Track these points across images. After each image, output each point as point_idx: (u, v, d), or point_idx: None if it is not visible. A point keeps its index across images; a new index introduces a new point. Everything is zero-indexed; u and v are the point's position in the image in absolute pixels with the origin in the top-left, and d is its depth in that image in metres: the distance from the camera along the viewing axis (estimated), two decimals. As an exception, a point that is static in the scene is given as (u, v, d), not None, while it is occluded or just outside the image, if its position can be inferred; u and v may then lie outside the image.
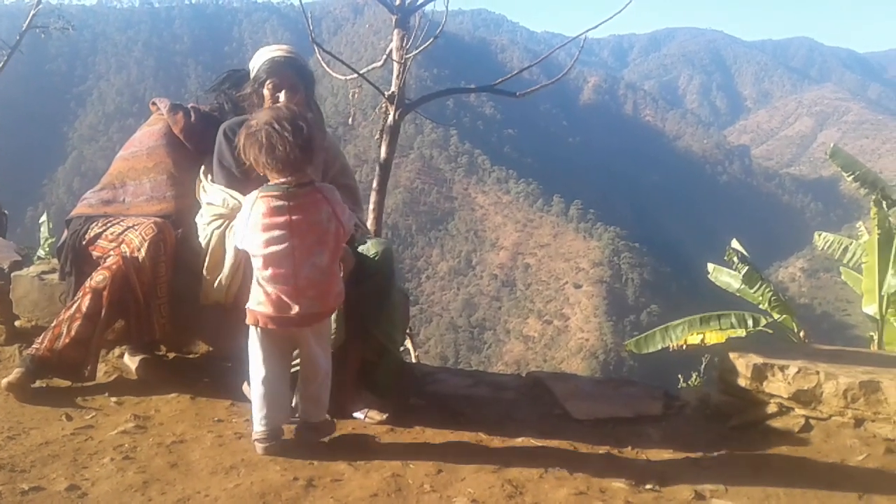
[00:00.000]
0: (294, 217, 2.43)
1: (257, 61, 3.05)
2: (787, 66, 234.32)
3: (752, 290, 7.88)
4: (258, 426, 2.50)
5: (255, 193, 2.50)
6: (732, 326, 7.41)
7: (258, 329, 2.50)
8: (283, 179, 2.45)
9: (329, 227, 2.47)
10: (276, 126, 2.42)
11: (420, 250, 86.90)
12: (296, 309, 2.44)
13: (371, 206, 6.95)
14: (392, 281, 3.01)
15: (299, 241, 2.43)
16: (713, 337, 7.34)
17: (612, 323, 69.68)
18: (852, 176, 8.72)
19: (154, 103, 3.32)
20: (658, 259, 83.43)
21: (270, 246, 2.44)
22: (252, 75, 3.05)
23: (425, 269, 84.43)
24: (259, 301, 2.47)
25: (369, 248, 2.97)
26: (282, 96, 2.98)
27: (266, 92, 3.00)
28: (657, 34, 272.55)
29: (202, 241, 2.89)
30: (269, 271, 2.45)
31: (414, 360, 6.42)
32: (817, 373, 2.93)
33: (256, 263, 2.48)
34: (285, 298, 2.44)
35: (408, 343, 6.67)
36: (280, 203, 2.44)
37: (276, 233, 2.43)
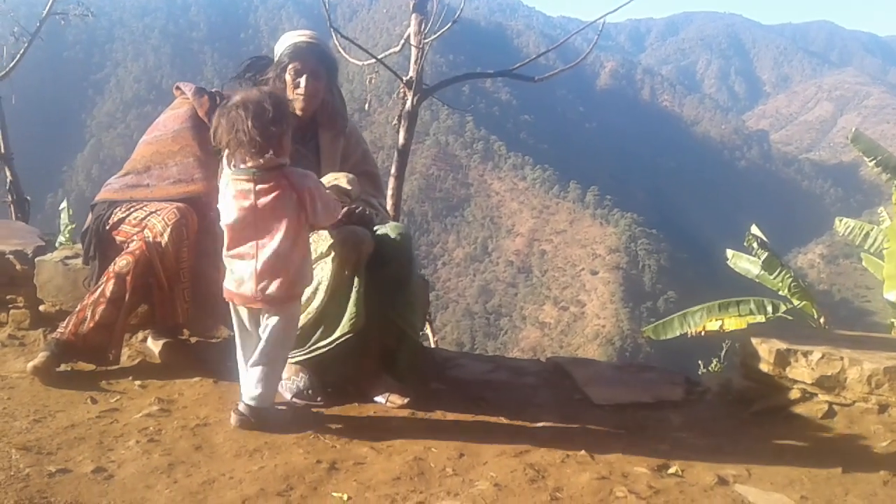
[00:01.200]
0: (259, 201, 2.45)
1: (281, 46, 3.04)
2: (807, 50, 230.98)
3: (771, 276, 7.80)
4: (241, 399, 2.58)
5: (227, 174, 2.53)
6: (752, 313, 7.34)
7: (231, 305, 2.59)
8: (251, 163, 2.46)
9: (291, 214, 2.46)
10: (241, 109, 2.43)
11: (436, 237, 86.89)
12: (254, 290, 2.49)
13: (389, 192, 6.96)
14: (411, 266, 3.01)
15: (262, 224, 2.47)
16: (732, 323, 7.28)
17: (629, 309, 69.41)
18: (874, 161, 8.59)
19: (178, 87, 3.33)
20: (675, 245, 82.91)
21: (235, 227, 2.50)
22: (275, 59, 3.04)
23: (441, 255, 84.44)
24: (227, 278, 2.56)
25: (388, 234, 2.98)
26: (303, 81, 2.98)
27: (288, 77, 2.99)
28: (674, 18, 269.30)
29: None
30: (234, 251, 2.52)
31: (433, 346, 6.44)
32: (841, 358, 2.91)
33: (225, 241, 2.54)
34: (245, 279, 2.50)
35: (427, 328, 6.68)
36: (246, 186, 2.46)
37: (241, 215, 2.47)
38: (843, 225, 9.16)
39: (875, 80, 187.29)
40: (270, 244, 2.46)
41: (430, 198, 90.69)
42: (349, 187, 2.95)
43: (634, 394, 3.07)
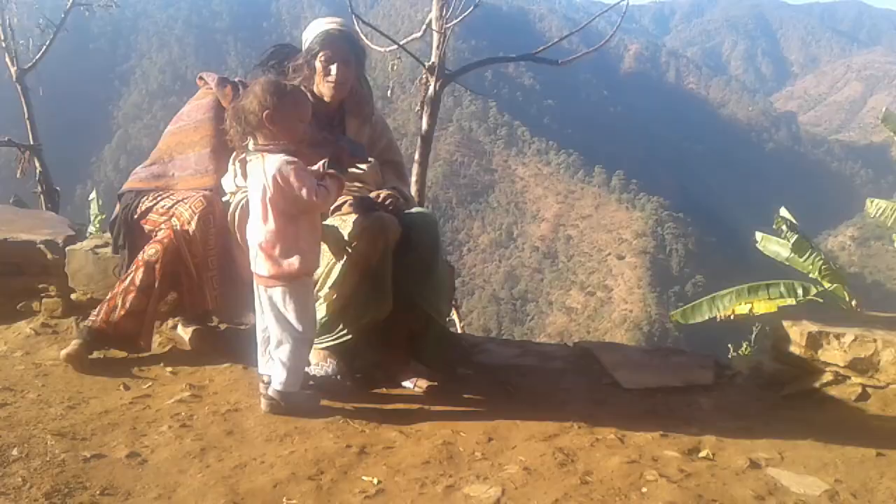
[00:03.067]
0: (251, 180, 2.59)
1: (311, 33, 3.03)
2: (835, 29, 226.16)
3: (801, 259, 7.66)
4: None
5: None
6: (781, 296, 7.22)
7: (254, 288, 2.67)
8: (254, 145, 2.57)
9: (267, 193, 2.49)
10: (246, 95, 2.57)
11: (461, 223, 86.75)
12: (254, 266, 2.58)
13: (413, 179, 6.95)
14: (437, 251, 3.01)
15: (255, 203, 2.56)
16: (762, 307, 7.17)
17: (657, 294, 68.87)
18: (906, 140, 8.43)
19: (202, 78, 3.34)
20: (702, 229, 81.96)
21: (242, 203, 2.65)
22: (305, 47, 3.04)
23: (466, 241, 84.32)
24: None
25: (414, 219, 2.97)
26: (334, 69, 2.98)
27: (318, 64, 2.99)
28: (699, 0, 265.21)
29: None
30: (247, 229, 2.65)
31: (460, 331, 6.44)
32: (874, 340, 2.86)
33: None
34: (251, 255, 2.60)
35: (453, 314, 6.68)
36: (245, 165, 2.63)
37: (246, 192, 2.65)
38: (874, 206, 8.99)
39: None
40: (262, 221, 2.53)
41: (454, 184, 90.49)
42: (364, 171, 2.97)
43: (664, 378, 3.05)
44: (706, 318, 7.23)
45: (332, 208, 2.92)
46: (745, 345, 7.68)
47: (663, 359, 3.35)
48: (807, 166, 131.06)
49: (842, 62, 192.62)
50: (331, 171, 2.58)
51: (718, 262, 71.19)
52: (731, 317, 7.19)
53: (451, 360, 3.06)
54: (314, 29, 3.04)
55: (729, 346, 7.85)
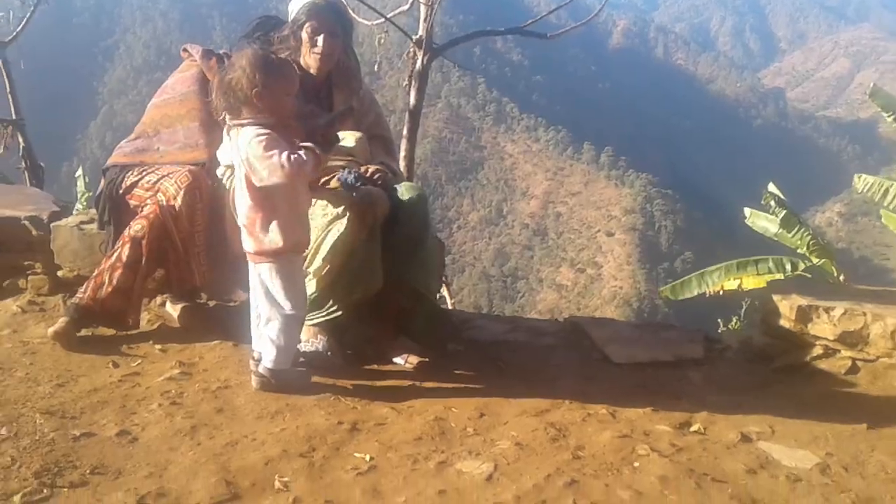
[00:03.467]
0: (232, 155, 2.60)
1: (297, 3, 2.99)
2: (823, 5, 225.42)
3: (790, 234, 7.70)
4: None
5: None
6: (770, 271, 7.27)
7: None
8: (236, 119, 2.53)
9: (242, 170, 2.48)
10: (227, 68, 2.52)
11: (450, 200, 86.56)
12: (244, 243, 2.57)
13: (402, 154, 6.90)
14: (426, 227, 2.99)
15: (237, 178, 2.56)
16: (751, 282, 7.21)
17: (646, 271, 69.17)
18: (893, 116, 8.42)
19: (185, 49, 3.28)
20: (691, 205, 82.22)
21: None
22: (291, 17, 2.99)
23: (456, 218, 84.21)
24: None
25: (403, 194, 2.95)
26: (320, 40, 2.94)
27: (304, 35, 2.95)
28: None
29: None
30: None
31: (450, 308, 6.44)
32: (864, 314, 2.87)
33: None
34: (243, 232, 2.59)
35: (444, 290, 6.68)
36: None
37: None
38: (862, 182, 9.01)
39: (893, 35, 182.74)
40: (245, 201, 2.51)
41: (443, 161, 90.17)
42: (352, 145, 2.93)
43: (654, 352, 3.06)
44: (695, 293, 7.27)
45: (320, 182, 2.89)
46: (734, 320, 7.72)
47: (653, 334, 3.36)
48: (794, 142, 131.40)
49: (829, 38, 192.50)
50: (306, 144, 2.50)
51: (707, 238, 71.55)
52: (720, 292, 7.24)
53: (441, 336, 3.04)
54: (300, 1, 2.99)
55: (719, 321, 7.89)
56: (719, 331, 6.79)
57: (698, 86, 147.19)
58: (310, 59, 2.99)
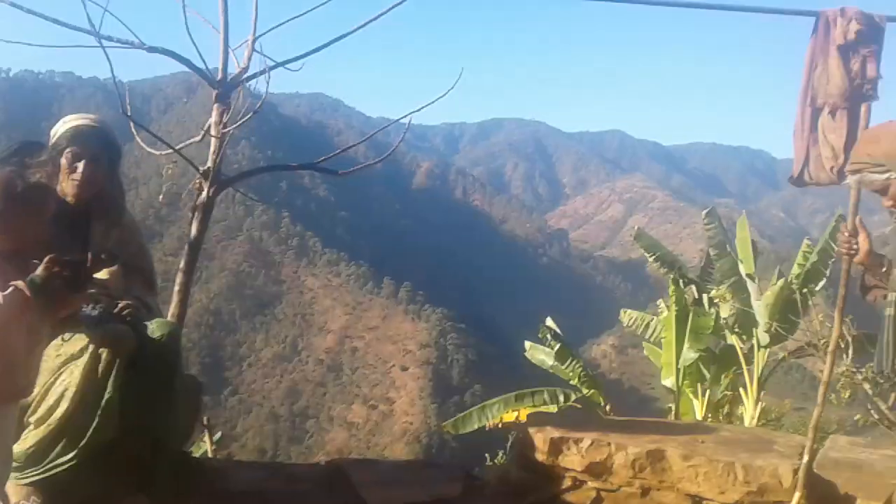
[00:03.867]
0: None
1: (60, 128, 2.85)
2: (602, 156, 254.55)
3: (563, 367, 8.19)
4: None
5: None
6: (545, 402, 7.61)
7: None
8: None
9: None
10: None
11: (243, 336, 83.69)
12: None
13: (176, 288, 6.54)
14: (177, 366, 2.81)
15: None
16: (527, 414, 7.49)
17: (437, 405, 69.82)
18: (654, 257, 9.45)
19: None
20: (483, 339, 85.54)
21: None
22: (52, 142, 2.81)
23: (248, 356, 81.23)
24: None
25: (153, 331, 2.76)
26: (81, 166, 2.78)
27: (63, 161, 2.79)
28: (486, 123, 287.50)
29: None
30: None
31: (210, 455, 5.98)
32: (609, 444, 3.00)
33: None
34: None
35: (205, 436, 6.21)
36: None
37: None
38: (627, 316, 9.90)
39: (660, 184, 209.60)
40: None
41: (239, 295, 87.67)
42: (106, 277, 2.72)
43: (412, 493, 2.99)
44: (475, 427, 7.41)
45: (61, 318, 2.61)
46: (500, 453, 7.90)
47: (416, 472, 3.31)
48: (576, 279, 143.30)
49: (607, 185, 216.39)
50: (16, 283, 2.21)
51: (497, 370, 74.18)
52: (499, 425, 7.43)
53: (186, 489, 2.78)
54: (64, 124, 2.87)
55: (486, 455, 8.03)
56: (487, 464, 6.88)
57: (493, 225, 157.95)
58: (67, 186, 2.82)
